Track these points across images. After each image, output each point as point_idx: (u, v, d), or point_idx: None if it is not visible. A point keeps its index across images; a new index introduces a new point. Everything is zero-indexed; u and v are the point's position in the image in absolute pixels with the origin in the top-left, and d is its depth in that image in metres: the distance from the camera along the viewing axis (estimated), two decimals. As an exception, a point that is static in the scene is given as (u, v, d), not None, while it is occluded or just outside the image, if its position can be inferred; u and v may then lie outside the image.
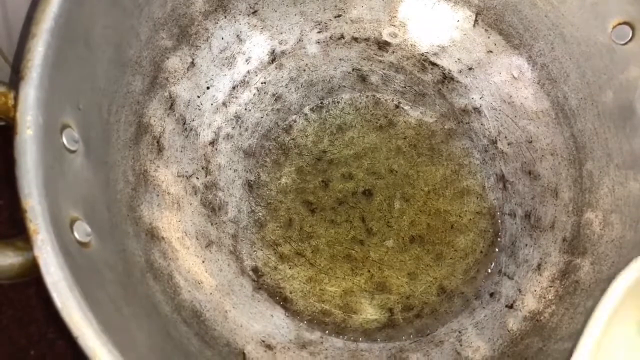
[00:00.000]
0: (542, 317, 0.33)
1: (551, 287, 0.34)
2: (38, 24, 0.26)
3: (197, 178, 0.36)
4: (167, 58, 0.35)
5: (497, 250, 0.36)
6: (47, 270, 0.23)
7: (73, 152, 0.27)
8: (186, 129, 0.36)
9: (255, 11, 0.38)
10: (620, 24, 0.33)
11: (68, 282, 0.23)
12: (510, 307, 0.34)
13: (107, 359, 0.22)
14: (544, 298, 0.34)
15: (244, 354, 0.32)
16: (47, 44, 0.25)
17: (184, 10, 0.35)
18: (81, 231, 0.26)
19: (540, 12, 0.36)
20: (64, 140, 0.27)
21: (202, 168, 0.36)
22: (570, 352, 0.29)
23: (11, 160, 0.24)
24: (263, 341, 0.33)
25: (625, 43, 0.33)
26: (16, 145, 0.24)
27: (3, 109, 0.25)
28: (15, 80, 0.25)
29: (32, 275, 0.24)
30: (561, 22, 0.35)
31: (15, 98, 0.25)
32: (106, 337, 0.22)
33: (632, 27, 0.32)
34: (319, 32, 0.39)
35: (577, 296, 0.32)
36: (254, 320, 0.33)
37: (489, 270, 0.36)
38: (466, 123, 0.39)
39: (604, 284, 0.31)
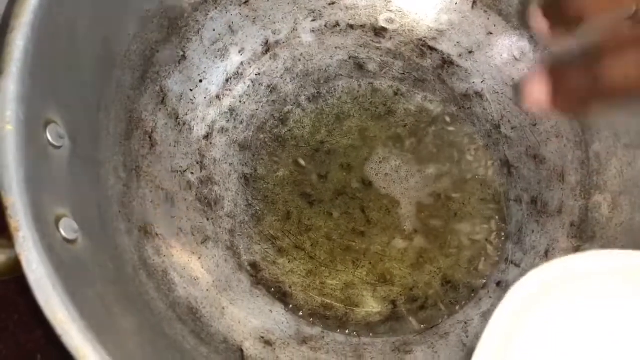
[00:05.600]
0: None
1: None
2: (17, 18, 0.25)
3: (192, 173, 0.36)
4: (158, 51, 0.35)
5: (503, 237, 0.36)
6: (29, 267, 0.23)
7: (58, 147, 0.27)
8: (179, 123, 0.36)
9: (247, 1, 0.38)
10: None
11: (52, 280, 0.23)
12: None
13: (93, 358, 0.22)
14: None
15: (242, 350, 0.32)
16: (26, 38, 0.25)
17: (173, 2, 0.35)
18: (68, 228, 0.26)
19: None
20: (48, 136, 0.26)
21: (197, 163, 0.36)
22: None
23: None
24: (262, 337, 0.33)
25: (628, 17, 0.32)
26: None
27: None
28: None
29: (16, 274, 0.24)
30: None
31: None
32: (92, 335, 0.22)
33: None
34: (313, 20, 0.39)
35: None
36: (252, 316, 0.33)
37: (496, 259, 0.35)
38: (468, 108, 0.38)
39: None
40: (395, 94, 0.39)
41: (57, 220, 0.25)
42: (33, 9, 0.26)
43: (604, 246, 0.33)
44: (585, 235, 0.34)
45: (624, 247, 0.32)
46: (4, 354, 0.39)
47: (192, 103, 0.37)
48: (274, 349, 0.33)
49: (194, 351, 0.30)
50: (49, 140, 0.26)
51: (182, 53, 0.36)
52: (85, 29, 0.29)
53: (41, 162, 0.26)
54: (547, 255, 0.34)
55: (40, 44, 0.26)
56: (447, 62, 0.39)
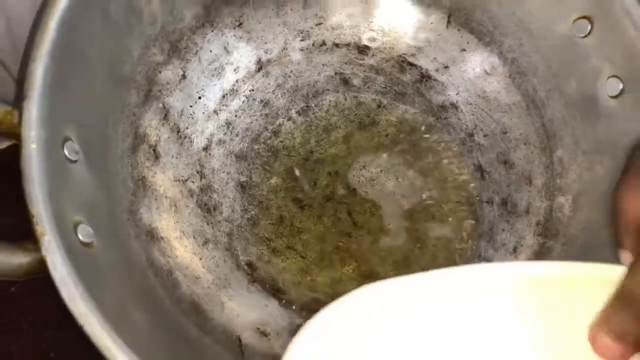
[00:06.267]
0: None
1: None
2: (38, 48, 0.28)
3: (193, 182, 0.38)
4: (160, 72, 0.37)
5: (476, 236, 0.38)
6: (54, 268, 0.25)
7: (74, 162, 0.29)
8: (180, 136, 0.38)
9: (241, 24, 0.40)
10: (579, 18, 0.35)
11: (73, 278, 0.25)
12: None
13: (110, 344, 0.24)
14: None
15: (240, 340, 0.34)
16: (46, 66, 0.28)
17: (173, 26, 0.37)
18: (84, 233, 0.28)
19: (508, 10, 0.38)
20: (66, 151, 0.29)
21: (197, 172, 0.38)
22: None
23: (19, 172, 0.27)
24: (258, 329, 0.35)
25: (585, 36, 0.35)
26: (22, 158, 0.26)
27: (9, 125, 0.27)
28: (19, 99, 0.28)
29: (39, 274, 0.26)
30: (527, 18, 0.38)
31: (20, 116, 0.27)
32: (109, 325, 0.25)
33: (591, 21, 0.34)
34: (301, 40, 0.41)
35: None
36: (249, 310, 0.35)
37: (470, 255, 0.38)
38: (444, 118, 0.41)
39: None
40: (378, 106, 0.41)
41: (75, 226, 0.28)
42: (51, 41, 0.28)
43: (566, 243, 0.35)
44: (549, 233, 0.36)
45: (583, 244, 0.34)
46: (19, 352, 0.40)
47: (192, 118, 0.39)
48: (269, 339, 0.35)
49: (197, 341, 0.32)
50: (66, 156, 0.29)
51: (182, 73, 0.38)
52: (95, 55, 0.32)
53: (60, 175, 0.28)
54: (515, 251, 0.37)
55: (57, 71, 0.28)
56: (425, 77, 0.41)
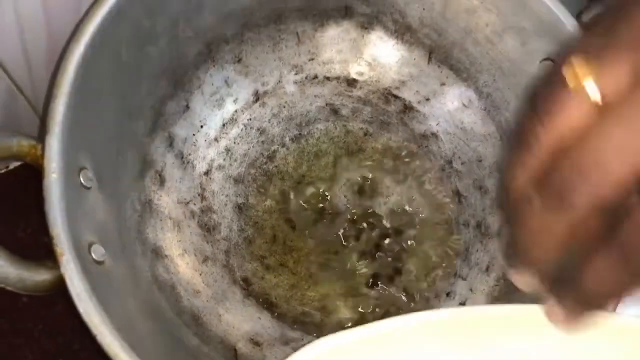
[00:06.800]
0: None
1: (497, 285, 0.38)
2: (58, 88, 0.30)
3: (194, 204, 0.39)
4: (166, 104, 0.39)
5: (453, 255, 0.40)
6: (72, 283, 0.27)
7: (88, 188, 0.31)
8: (184, 162, 0.40)
9: (240, 59, 0.42)
10: (544, 59, 0.37)
11: (88, 293, 0.27)
12: (463, 304, 0.38)
13: (120, 352, 0.26)
14: (491, 295, 0.38)
15: (235, 350, 0.36)
16: (66, 104, 0.30)
17: (178, 63, 0.39)
18: (97, 252, 0.30)
19: (483, 50, 0.40)
20: (81, 179, 0.31)
21: (198, 195, 0.40)
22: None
23: (40, 198, 0.29)
24: (252, 339, 0.37)
25: None
26: (44, 187, 0.28)
27: (34, 157, 0.30)
28: (42, 133, 0.30)
29: (58, 289, 0.28)
30: (500, 57, 0.40)
31: (42, 148, 0.29)
32: (119, 335, 0.27)
33: (554, 63, 0.37)
34: (295, 73, 0.43)
35: (517, 293, 0.36)
36: (244, 322, 0.37)
37: (447, 273, 0.40)
38: (425, 146, 0.43)
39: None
40: (365, 134, 0.43)
41: (89, 246, 0.29)
42: (70, 82, 0.30)
43: None
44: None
45: None
46: (30, 358, 0.41)
47: (195, 145, 0.40)
48: (262, 349, 0.36)
49: (196, 349, 0.34)
50: (81, 183, 0.31)
51: (186, 104, 0.40)
52: (108, 92, 0.34)
53: (77, 201, 0.30)
54: (487, 270, 0.39)
55: (75, 108, 0.30)
56: (408, 108, 0.43)
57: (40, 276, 0.28)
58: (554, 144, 0.19)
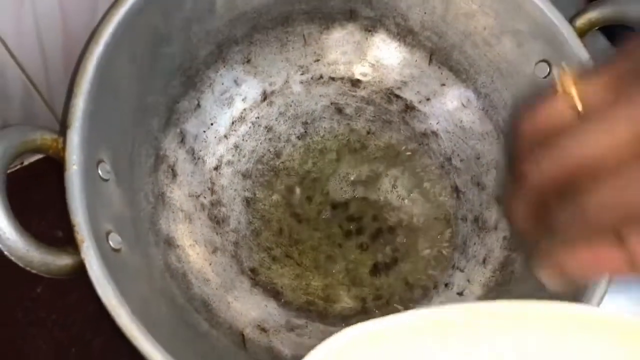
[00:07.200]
0: (484, 301, 0.38)
1: (493, 277, 0.39)
2: (78, 86, 0.32)
3: (205, 197, 0.40)
4: (178, 102, 0.40)
5: (451, 248, 0.41)
6: (91, 268, 0.28)
7: (106, 180, 0.33)
8: (195, 157, 0.41)
9: (249, 60, 0.43)
10: (540, 61, 0.38)
11: (106, 277, 0.28)
12: (461, 294, 0.40)
13: (136, 332, 0.28)
14: (487, 286, 0.39)
15: (243, 335, 0.37)
16: (85, 101, 0.31)
17: (190, 63, 0.40)
18: (114, 240, 0.31)
19: (481, 52, 0.41)
20: (100, 172, 0.32)
21: (209, 189, 0.41)
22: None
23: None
24: (259, 325, 0.38)
25: (545, 77, 0.38)
26: (65, 178, 0.30)
27: (55, 151, 0.31)
28: (63, 128, 0.31)
29: (79, 274, 0.29)
30: (497, 59, 0.41)
31: (64, 142, 0.31)
32: (135, 317, 0.28)
33: (549, 64, 0.38)
34: (302, 74, 0.44)
35: (512, 284, 0.38)
36: (251, 310, 0.38)
37: (445, 265, 0.41)
38: (426, 144, 0.44)
39: (531, 274, 0.36)
40: (368, 132, 0.44)
41: (107, 235, 0.31)
42: (89, 80, 0.32)
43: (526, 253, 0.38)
44: (513, 247, 0.39)
45: None
46: (44, 348, 0.41)
47: (205, 141, 0.41)
48: (268, 335, 0.37)
49: (206, 333, 0.35)
50: (100, 175, 0.32)
51: (197, 102, 0.41)
52: (124, 90, 0.35)
53: (95, 192, 0.31)
54: (484, 262, 0.40)
55: (94, 104, 0.32)
56: (409, 107, 0.44)
57: (62, 261, 0.29)
58: (542, 127, 0.24)
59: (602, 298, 0.32)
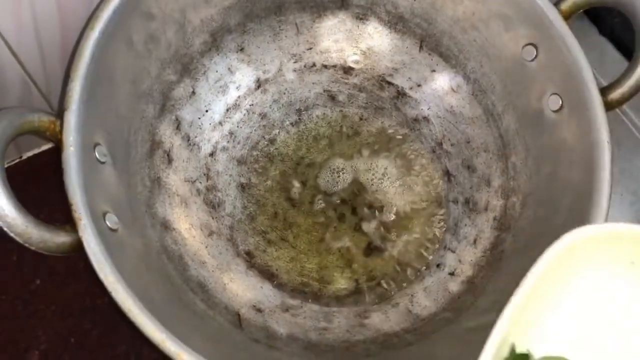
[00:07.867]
0: (475, 280, 0.39)
1: (483, 256, 0.40)
2: (75, 70, 0.32)
3: (200, 182, 0.41)
4: (173, 89, 0.40)
5: (443, 230, 0.42)
6: (89, 245, 0.29)
7: (103, 163, 0.33)
8: (190, 144, 0.41)
9: (242, 48, 0.43)
10: (527, 44, 0.39)
11: (103, 254, 0.29)
12: (452, 274, 0.40)
13: (133, 307, 0.28)
14: (478, 265, 0.39)
15: (239, 315, 0.37)
16: (81, 85, 0.32)
17: (185, 51, 0.40)
18: (111, 221, 0.32)
19: (470, 37, 0.42)
20: (96, 154, 0.33)
21: (204, 174, 0.41)
22: (493, 303, 0.35)
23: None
24: (254, 306, 0.38)
25: (532, 60, 0.39)
26: (63, 159, 0.31)
27: (53, 133, 0.32)
28: (60, 110, 0.32)
29: (76, 252, 0.30)
30: (486, 44, 0.41)
31: (61, 124, 0.31)
32: (132, 291, 0.29)
33: (536, 47, 0.38)
34: (295, 62, 0.44)
35: (502, 262, 0.38)
36: (247, 291, 0.38)
37: (437, 246, 0.41)
38: (417, 129, 0.44)
39: (520, 252, 0.37)
40: (360, 119, 0.44)
41: (104, 215, 0.31)
42: (85, 64, 0.32)
43: (516, 234, 0.38)
44: (503, 227, 0.39)
45: (528, 235, 0.37)
46: (43, 338, 0.42)
47: (200, 128, 0.42)
48: (263, 315, 0.38)
49: (203, 313, 0.35)
50: (97, 158, 0.33)
51: (192, 90, 0.41)
52: (120, 75, 0.36)
53: (92, 173, 0.32)
54: (475, 243, 0.40)
55: (90, 88, 0.32)
56: (400, 94, 0.44)
57: (60, 238, 0.30)
58: None
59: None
